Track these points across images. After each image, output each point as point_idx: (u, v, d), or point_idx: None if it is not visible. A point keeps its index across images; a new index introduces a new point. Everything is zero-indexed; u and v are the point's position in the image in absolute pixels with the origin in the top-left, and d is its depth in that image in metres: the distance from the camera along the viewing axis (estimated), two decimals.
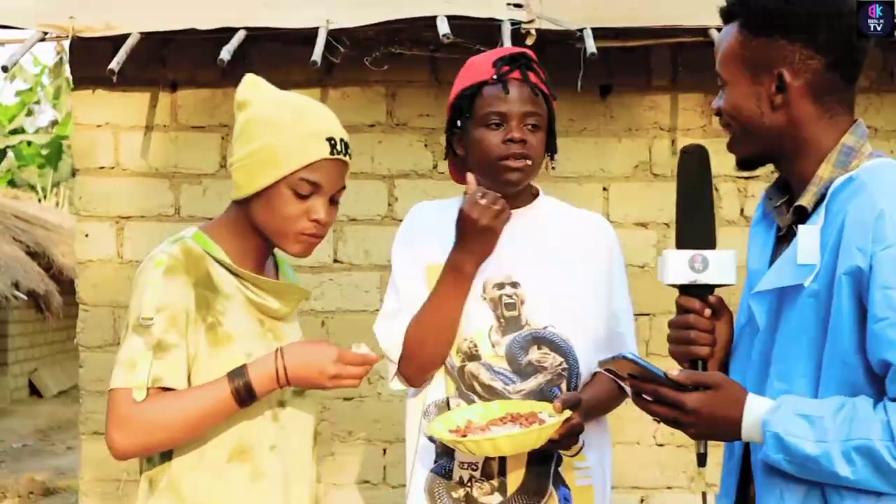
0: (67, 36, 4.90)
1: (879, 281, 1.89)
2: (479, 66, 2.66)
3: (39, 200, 18.26)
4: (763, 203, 2.23)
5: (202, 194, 5.14)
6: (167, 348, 2.21)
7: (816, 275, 1.97)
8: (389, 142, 5.06)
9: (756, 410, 1.98)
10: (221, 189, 5.10)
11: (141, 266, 2.31)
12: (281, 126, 2.31)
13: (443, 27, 4.52)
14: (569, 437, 2.50)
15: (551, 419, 2.42)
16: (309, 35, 4.77)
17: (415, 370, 2.67)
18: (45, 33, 4.89)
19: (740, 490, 2.18)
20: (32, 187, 19.94)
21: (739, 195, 5.04)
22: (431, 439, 2.65)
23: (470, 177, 2.61)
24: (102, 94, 5.16)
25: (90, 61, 5.04)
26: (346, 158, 2.36)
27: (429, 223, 2.77)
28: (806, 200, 2.05)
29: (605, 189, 5.06)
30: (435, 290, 2.62)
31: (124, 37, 4.82)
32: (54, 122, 21.60)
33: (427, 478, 2.67)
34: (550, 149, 2.71)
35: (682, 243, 2.10)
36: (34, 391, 15.07)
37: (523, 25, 4.64)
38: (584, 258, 2.68)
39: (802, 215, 2.07)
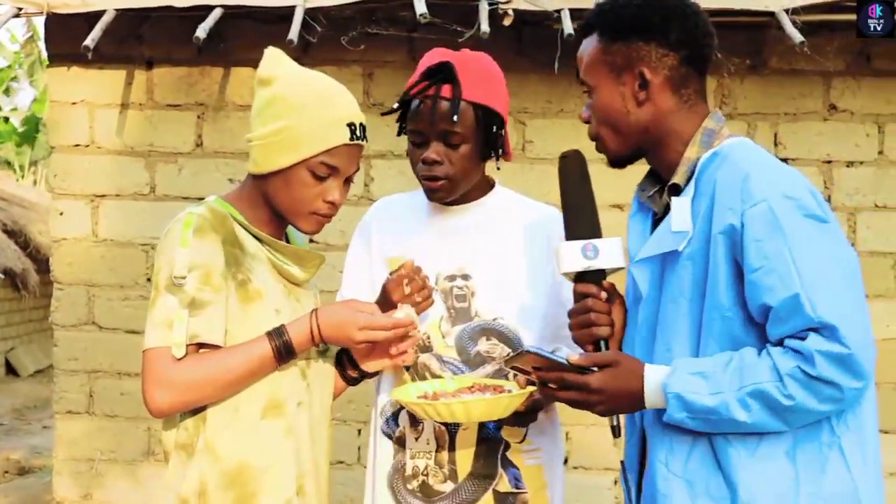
0: (42, 12, 4.87)
1: (751, 235, 2.08)
2: (417, 73, 2.65)
3: (17, 179, 18.15)
4: (637, 196, 2.42)
5: (178, 173, 5.12)
6: (202, 305, 2.26)
7: (689, 240, 2.16)
8: (366, 122, 5.01)
9: (655, 378, 2.16)
10: (197, 168, 5.08)
11: (167, 229, 2.34)
12: (304, 109, 2.33)
13: (420, 7, 4.50)
14: (532, 412, 2.52)
15: (518, 391, 2.46)
16: (286, 13, 4.75)
17: None
18: (20, 9, 4.86)
19: (641, 461, 2.35)
20: (10, 165, 19.82)
21: None
22: (389, 435, 2.69)
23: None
24: (77, 72, 5.13)
25: (65, 38, 5.01)
26: (364, 143, 2.41)
27: (389, 216, 2.80)
28: (679, 178, 2.25)
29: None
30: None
31: (100, 13, 4.80)
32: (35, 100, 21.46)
33: (388, 473, 2.70)
34: (490, 154, 2.66)
35: (572, 236, 2.32)
36: (11, 370, 14.99)
37: (501, 6, 4.63)
38: (536, 250, 2.69)
39: (676, 192, 2.25)
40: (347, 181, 2.41)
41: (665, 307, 2.22)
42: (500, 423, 2.61)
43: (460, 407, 2.39)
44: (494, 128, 2.64)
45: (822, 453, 2.11)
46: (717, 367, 2.09)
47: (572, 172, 2.33)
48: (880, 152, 5.03)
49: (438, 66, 2.60)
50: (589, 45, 2.32)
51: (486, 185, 2.75)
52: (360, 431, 5.12)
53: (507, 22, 4.63)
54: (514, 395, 2.42)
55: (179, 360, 2.23)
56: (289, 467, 2.36)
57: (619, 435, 2.28)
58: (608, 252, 2.29)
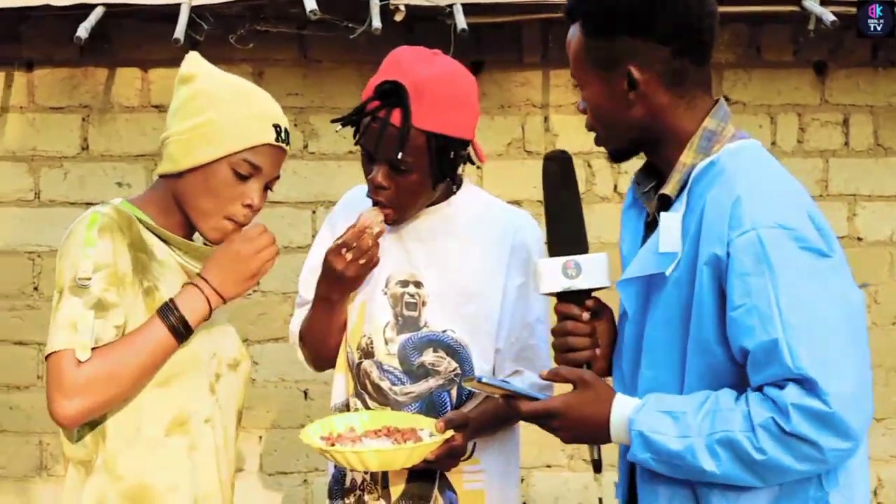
0: None
1: (736, 268, 1.88)
2: (379, 75, 2.50)
3: None
4: (632, 188, 2.22)
5: (63, 178, 4.96)
6: (108, 307, 2.16)
7: (678, 263, 1.97)
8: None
9: (623, 410, 1.97)
10: (83, 172, 4.93)
11: (69, 230, 2.23)
12: (228, 103, 2.27)
13: (309, 3, 4.42)
14: (446, 459, 2.41)
15: (430, 438, 2.34)
16: (171, 12, 4.62)
17: (311, 362, 2.72)
18: None
19: (630, 491, 2.19)
20: None
21: (612, 171, 5.04)
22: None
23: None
24: None
25: None
26: (287, 148, 2.33)
27: (349, 209, 2.67)
28: (669, 189, 2.05)
29: (478, 167, 5.00)
30: (311, 308, 2.61)
31: None
32: None
33: (329, 483, 2.63)
34: (444, 178, 2.52)
35: (553, 250, 2.12)
36: None
37: (392, 2, 4.57)
38: (496, 262, 2.56)
39: (667, 203, 2.06)
40: (267, 187, 2.33)
41: (652, 331, 2.03)
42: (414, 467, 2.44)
43: (354, 457, 2.29)
44: (452, 153, 2.48)
45: None
46: (690, 409, 1.91)
47: (555, 177, 2.14)
48: (773, 143, 5.07)
49: (392, 86, 2.42)
50: (573, 38, 2.11)
51: (450, 187, 2.60)
52: (260, 438, 5.03)
53: (398, 17, 4.57)
54: (416, 447, 2.30)
55: (83, 363, 2.11)
56: (190, 487, 2.27)
57: (601, 470, 2.12)
58: (591, 270, 2.10)
